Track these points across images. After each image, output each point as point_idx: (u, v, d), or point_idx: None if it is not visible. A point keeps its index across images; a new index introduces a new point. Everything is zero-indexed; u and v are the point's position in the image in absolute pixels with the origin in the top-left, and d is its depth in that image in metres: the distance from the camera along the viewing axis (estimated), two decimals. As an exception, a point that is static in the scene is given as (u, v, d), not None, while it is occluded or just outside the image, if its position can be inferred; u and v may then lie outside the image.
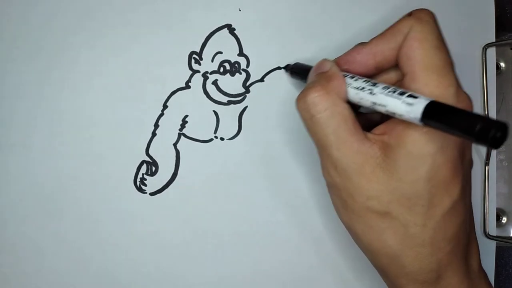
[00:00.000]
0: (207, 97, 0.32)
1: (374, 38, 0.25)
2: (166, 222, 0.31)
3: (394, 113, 0.22)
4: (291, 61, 0.32)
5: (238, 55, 0.32)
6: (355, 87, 0.24)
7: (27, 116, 0.31)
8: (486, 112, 0.34)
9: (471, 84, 0.34)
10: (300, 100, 0.24)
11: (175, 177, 0.31)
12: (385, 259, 0.24)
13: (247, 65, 0.32)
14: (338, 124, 0.24)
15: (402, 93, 0.22)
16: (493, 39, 0.34)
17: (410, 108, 0.21)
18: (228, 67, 0.32)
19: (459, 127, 0.19)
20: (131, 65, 0.31)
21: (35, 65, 0.31)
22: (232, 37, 0.32)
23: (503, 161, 0.36)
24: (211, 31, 0.32)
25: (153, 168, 0.31)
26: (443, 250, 0.24)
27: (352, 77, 0.25)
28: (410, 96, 0.22)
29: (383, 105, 0.23)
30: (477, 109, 0.34)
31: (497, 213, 0.35)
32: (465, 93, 0.24)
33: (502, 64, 0.36)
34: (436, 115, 0.20)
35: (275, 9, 0.32)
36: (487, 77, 0.34)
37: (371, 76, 0.26)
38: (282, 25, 0.32)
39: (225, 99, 0.32)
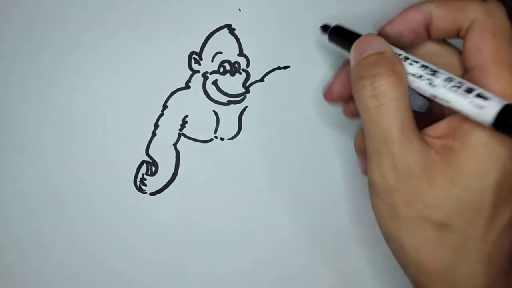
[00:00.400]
0: (207, 97, 0.32)
1: (433, 1, 0.23)
2: (166, 222, 0.31)
3: (459, 111, 0.20)
4: (291, 61, 0.32)
5: (238, 55, 0.32)
6: (412, 74, 0.22)
7: (29, 117, 0.31)
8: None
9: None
10: (365, 89, 0.22)
11: (175, 177, 0.31)
12: (435, 275, 0.22)
13: (247, 65, 0.32)
14: (405, 117, 0.21)
15: (469, 90, 0.20)
16: (493, 39, 0.34)
17: (479, 111, 0.19)
18: (228, 67, 0.32)
19: None
20: (131, 65, 0.31)
21: (36, 67, 0.31)
22: (232, 37, 0.32)
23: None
24: (211, 31, 0.32)
25: (153, 168, 0.31)
26: (498, 267, 0.22)
27: (406, 59, 0.22)
28: (479, 96, 0.20)
29: (446, 101, 0.21)
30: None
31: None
32: None
33: (502, 64, 0.36)
34: (510, 120, 0.18)
35: (275, 9, 0.32)
36: (487, 77, 0.34)
37: (413, 40, 0.24)
38: (282, 25, 0.32)
39: (225, 99, 0.32)
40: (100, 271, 0.31)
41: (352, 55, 0.24)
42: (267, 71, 0.32)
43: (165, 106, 0.31)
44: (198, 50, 0.32)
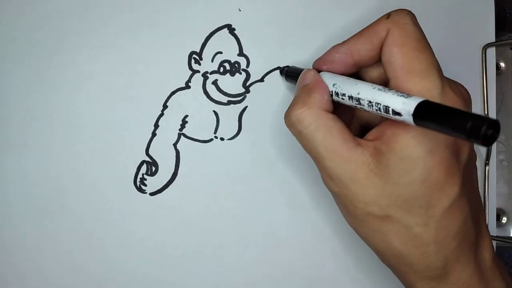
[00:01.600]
0: (207, 97, 0.32)
1: (352, 37, 0.26)
2: (166, 222, 0.31)
3: (384, 113, 0.22)
4: (291, 61, 0.32)
5: (238, 55, 0.32)
6: (337, 92, 0.25)
7: (27, 116, 0.31)
8: (486, 112, 0.34)
9: (471, 84, 0.34)
10: (286, 118, 0.25)
11: (175, 177, 0.31)
12: (393, 259, 0.25)
13: (247, 65, 0.32)
14: (324, 136, 0.24)
15: (391, 92, 0.22)
16: (493, 39, 0.34)
17: (402, 106, 0.21)
18: (228, 67, 0.32)
19: (451, 126, 0.19)
20: (131, 65, 0.31)
21: (34, 65, 0.31)
22: (232, 37, 0.32)
23: (503, 161, 0.36)
24: (211, 31, 0.32)
25: (153, 168, 0.31)
26: (448, 247, 0.24)
27: (334, 81, 0.25)
28: (400, 94, 0.22)
29: (371, 104, 0.23)
30: (477, 109, 0.34)
31: (497, 213, 0.35)
32: (457, 90, 0.24)
33: (502, 64, 0.36)
34: (427, 114, 0.20)
35: (275, 9, 0.32)
36: (487, 77, 0.34)
37: (353, 74, 0.27)
38: (282, 25, 0.32)
39: (225, 99, 0.32)
40: (100, 270, 0.31)
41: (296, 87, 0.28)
42: (267, 71, 0.32)
43: (165, 106, 0.31)
44: (198, 50, 0.32)
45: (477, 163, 0.34)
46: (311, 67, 0.28)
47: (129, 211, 0.31)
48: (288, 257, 0.32)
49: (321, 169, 0.25)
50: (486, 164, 0.34)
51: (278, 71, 0.32)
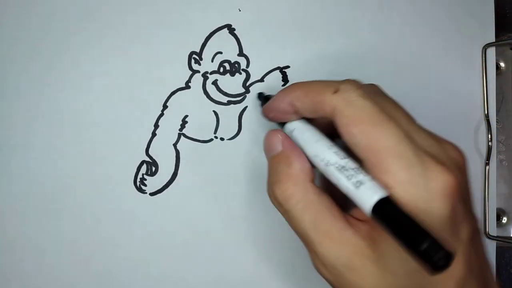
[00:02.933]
0: (207, 97, 0.32)
1: (298, 91, 0.23)
2: (166, 222, 0.31)
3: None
4: (291, 61, 0.32)
5: (238, 55, 0.32)
6: (318, 167, 0.22)
7: (27, 116, 0.31)
8: (486, 112, 0.34)
9: (471, 84, 0.34)
10: (271, 196, 0.23)
11: (175, 177, 0.31)
12: None
13: (247, 65, 0.32)
14: (314, 215, 0.22)
15: (356, 182, 0.20)
16: (493, 39, 0.34)
17: (362, 205, 0.20)
18: (228, 67, 0.32)
19: (405, 238, 0.18)
20: (131, 65, 0.31)
21: (35, 65, 0.31)
22: (232, 37, 0.32)
23: (503, 161, 0.36)
24: (211, 31, 0.32)
25: (153, 168, 0.31)
26: None
27: (313, 146, 0.23)
28: (362, 187, 0.20)
29: (344, 190, 0.21)
30: (478, 109, 0.34)
31: (497, 213, 0.35)
32: (442, 153, 0.21)
33: (502, 64, 0.36)
34: (384, 217, 0.19)
35: (275, 9, 0.32)
36: (487, 77, 0.34)
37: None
38: (282, 25, 0.32)
39: (225, 99, 0.32)
40: (100, 271, 0.31)
41: (264, 152, 0.25)
42: (267, 71, 0.32)
43: (165, 106, 0.31)
44: (198, 50, 0.32)
45: (477, 163, 0.34)
46: (263, 113, 0.27)
47: (129, 211, 0.31)
48: (288, 257, 0.32)
49: (313, 255, 0.23)
50: (486, 164, 0.34)
51: (278, 71, 0.32)
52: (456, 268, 0.21)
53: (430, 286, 0.21)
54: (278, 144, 0.24)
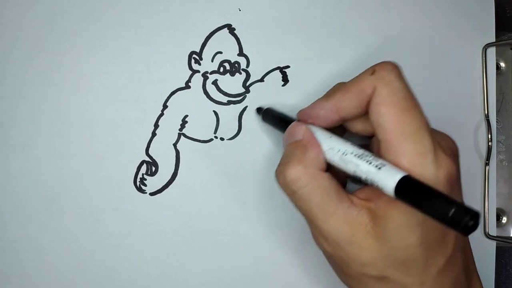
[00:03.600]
0: (207, 97, 0.32)
1: (338, 92, 0.25)
2: (166, 222, 0.31)
3: (373, 185, 0.22)
4: (291, 61, 0.32)
5: (238, 55, 0.32)
6: (331, 159, 0.24)
7: (28, 116, 0.31)
8: (486, 112, 0.34)
9: (471, 84, 0.34)
10: (279, 176, 0.24)
11: (175, 177, 0.31)
12: None
13: (247, 65, 0.32)
14: (321, 197, 0.23)
15: (376, 165, 0.22)
16: (493, 39, 0.34)
17: (384, 185, 0.21)
18: (228, 67, 0.32)
19: (432, 209, 0.19)
20: (131, 65, 0.31)
21: (35, 65, 0.31)
22: (232, 37, 0.32)
23: (503, 161, 0.36)
24: (211, 31, 0.32)
25: (153, 168, 0.31)
26: None
27: (329, 141, 0.24)
28: (380, 168, 0.21)
29: (362, 175, 0.22)
30: (478, 109, 0.34)
31: (497, 213, 0.35)
32: (447, 148, 0.23)
33: (502, 64, 0.36)
34: (409, 192, 0.20)
35: (275, 9, 0.32)
36: (487, 77, 0.34)
37: (338, 126, 0.26)
38: (282, 25, 0.32)
39: (225, 99, 0.32)
40: (100, 271, 0.31)
41: (283, 141, 0.27)
42: (267, 71, 0.32)
43: (165, 106, 0.31)
44: (198, 50, 0.31)
45: (477, 163, 0.34)
46: (295, 116, 0.27)
47: (129, 211, 0.31)
48: (288, 257, 0.32)
49: (315, 230, 0.24)
50: (486, 164, 0.34)
51: (278, 70, 0.32)
52: (448, 246, 0.23)
53: (421, 260, 0.23)
54: (300, 134, 0.25)
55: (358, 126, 0.26)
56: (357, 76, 0.24)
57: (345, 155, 0.23)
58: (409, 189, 0.20)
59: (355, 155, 0.23)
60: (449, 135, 0.26)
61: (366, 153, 0.23)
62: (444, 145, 0.23)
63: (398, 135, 0.22)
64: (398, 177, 0.20)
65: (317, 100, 0.26)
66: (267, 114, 0.30)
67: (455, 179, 0.23)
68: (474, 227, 0.18)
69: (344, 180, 0.28)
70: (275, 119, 0.29)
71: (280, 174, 0.24)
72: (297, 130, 0.25)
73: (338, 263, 0.24)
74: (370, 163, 0.22)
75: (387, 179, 0.21)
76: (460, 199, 0.25)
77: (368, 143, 0.27)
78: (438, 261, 0.23)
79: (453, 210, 0.18)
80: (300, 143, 0.25)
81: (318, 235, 0.24)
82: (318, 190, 0.23)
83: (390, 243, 0.22)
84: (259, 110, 0.31)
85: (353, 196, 0.24)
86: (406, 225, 0.22)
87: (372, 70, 0.24)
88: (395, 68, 0.23)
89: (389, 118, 0.22)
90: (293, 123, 0.26)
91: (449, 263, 0.23)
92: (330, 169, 0.25)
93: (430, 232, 0.22)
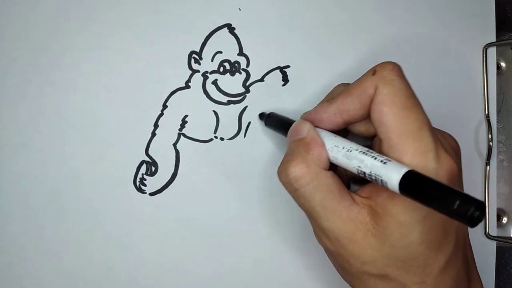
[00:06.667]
0: (207, 97, 0.31)
1: (340, 95, 0.25)
2: (166, 222, 0.31)
3: (376, 181, 0.22)
4: (291, 61, 0.32)
5: (238, 54, 0.32)
6: (335, 157, 0.24)
7: (28, 116, 0.31)
8: (486, 112, 0.34)
9: (472, 84, 0.34)
10: (282, 174, 0.24)
11: (175, 177, 0.31)
12: None
13: (247, 65, 0.32)
14: (323, 195, 0.23)
15: (384, 161, 0.22)
16: (494, 39, 0.34)
17: (388, 179, 0.21)
18: (228, 67, 0.32)
19: (437, 202, 0.19)
20: (131, 65, 0.31)
21: (35, 66, 0.31)
22: (232, 37, 0.32)
23: (503, 161, 0.36)
24: (211, 30, 0.32)
25: (153, 168, 0.31)
26: None
27: (333, 139, 0.24)
28: (389, 163, 0.21)
29: (367, 170, 0.22)
30: (478, 109, 0.34)
31: (497, 213, 0.35)
32: (448, 146, 0.23)
33: (503, 64, 0.36)
34: (413, 186, 0.20)
35: (275, 9, 0.32)
36: (487, 77, 0.34)
37: (341, 129, 0.26)
38: (282, 25, 0.32)
39: (225, 99, 0.32)
40: (100, 271, 0.31)
41: (287, 139, 0.27)
42: (267, 71, 0.32)
43: (165, 106, 0.31)
44: (198, 50, 0.31)
45: (477, 163, 0.34)
46: (300, 118, 0.27)
47: (129, 211, 0.31)
48: (288, 257, 0.32)
49: (316, 227, 0.25)
50: (487, 164, 0.34)
51: (278, 70, 0.32)
52: (449, 244, 0.23)
53: (423, 258, 0.23)
54: (304, 131, 0.25)
55: (361, 127, 0.26)
56: (358, 78, 0.24)
57: (350, 151, 0.23)
58: (414, 183, 0.20)
59: (360, 151, 0.23)
60: (450, 134, 0.26)
61: (371, 151, 0.23)
62: (446, 144, 0.24)
63: (400, 134, 0.22)
64: (403, 171, 0.20)
65: (320, 104, 0.26)
66: (270, 119, 0.30)
67: (457, 177, 0.23)
68: (480, 218, 0.18)
69: (347, 181, 0.28)
70: (278, 123, 0.29)
71: (282, 171, 0.24)
72: (302, 127, 0.25)
73: (339, 261, 0.25)
74: (375, 158, 0.22)
75: (392, 173, 0.21)
76: None
77: (370, 144, 0.27)
78: (439, 259, 0.23)
79: (458, 202, 0.18)
80: (304, 141, 0.25)
81: (320, 232, 0.24)
82: (320, 188, 0.23)
83: (391, 242, 0.23)
84: (261, 116, 0.31)
85: (354, 194, 0.24)
86: (407, 222, 0.22)
87: (373, 71, 0.24)
88: (396, 68, 0.23)
89: (390, 117, 0.22)
90: (298, 121, 0.26)
91: (450, 262, 0.24)
92: (333, 170, 0.25)
93: (431, 230, 0.22)
